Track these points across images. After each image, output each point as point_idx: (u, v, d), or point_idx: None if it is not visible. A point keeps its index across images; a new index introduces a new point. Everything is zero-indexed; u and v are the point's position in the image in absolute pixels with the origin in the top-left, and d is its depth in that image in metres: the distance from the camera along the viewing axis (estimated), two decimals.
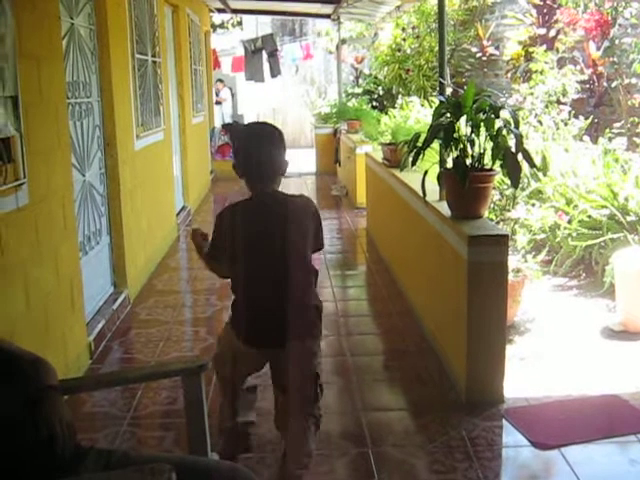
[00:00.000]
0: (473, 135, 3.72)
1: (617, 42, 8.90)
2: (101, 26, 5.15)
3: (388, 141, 6.62)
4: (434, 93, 10.55)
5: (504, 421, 3.43)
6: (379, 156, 6.70)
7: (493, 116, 3.69)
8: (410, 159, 3.98)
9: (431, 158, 4.32)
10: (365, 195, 8.27)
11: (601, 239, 5.26)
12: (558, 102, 8.39)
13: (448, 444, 3.23)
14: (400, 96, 11.65)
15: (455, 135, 3.73)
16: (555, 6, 9.77)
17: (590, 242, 5.32)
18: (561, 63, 9.24)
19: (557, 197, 5.83)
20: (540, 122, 7.50)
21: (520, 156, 3.65)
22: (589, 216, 5.43)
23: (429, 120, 4.14)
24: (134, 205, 5.80)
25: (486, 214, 4.02)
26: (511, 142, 3.68)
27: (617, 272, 4.68)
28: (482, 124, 3.68)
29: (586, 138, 6.93)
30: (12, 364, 2.01)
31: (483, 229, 3.65)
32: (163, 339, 4.67)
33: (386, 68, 12.91)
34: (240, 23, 20.02)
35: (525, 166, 3.95)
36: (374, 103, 12.64)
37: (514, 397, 3.64)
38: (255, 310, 2.75)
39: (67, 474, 1.97)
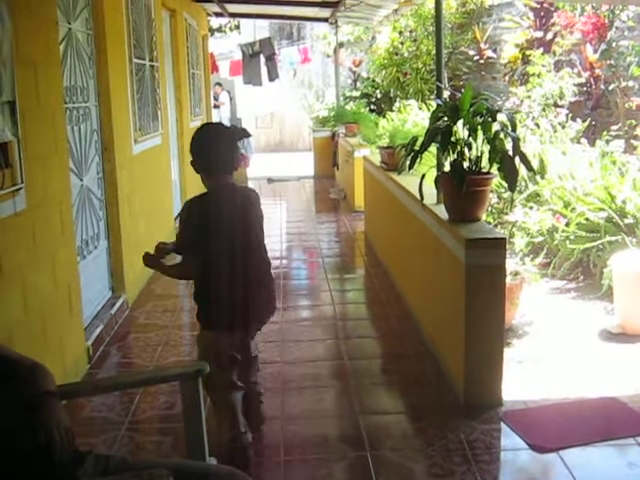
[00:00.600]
0: (470, 138, 3.73)
1: (614, 45, 8.92)
2: (99, 31, 5.16)
3: (386, 144, 6.63)
4: (432, 96, 10.56)
5: (502, 424, 3.43)
6: (377, 159, 6.71)
7: (490, 119, 3.70)
8: (407, 162, 3.98)
9: (428, 161, 4.33)
10: (363, 198, 8.27)
11: (599, 242, 5.27)
12: (555, 105, 8.41)
13: (446, 447, 3.23)
14: (398, 99, 11.67)
15: (452, 138, 3.74)
16: (552, 9, 9.79)
17: (588, 245, 5.32)
18: (558, 66, 9.26)
19: (555, 200, 5.84)
20: (537, 125, 7.52)
21: (517, 159, 3.65)
22: (587, 219, 5.43)
23: (427, 123, 4.15)
24: (132, 209, 5.79)
25: (484, 217, 4.02)
26: (508, 145, 3.69)
27: (615, 275, 4.68)
28: (479, 127, 3.69)
29: (583, 141, 6.94)
30: (10, 369, 2.01)
31: (481, 232, 3.65)
32: (161, 343, 4.67)
33: (384, 71, 12.93)
34: (238, 27, 20.02)
35: (523, 169, 3.95)
36: (372, 106, 12.66)
37: (512, 400, 3.64)
38: (225, 295, 2.99)
39: (65, 479, 1.97)
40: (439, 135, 3.76)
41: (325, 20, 12.23)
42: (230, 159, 3.07)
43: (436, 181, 4.04)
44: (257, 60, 14.05)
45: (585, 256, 5.47)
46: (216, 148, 3.04)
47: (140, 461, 2.27)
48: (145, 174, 6.44)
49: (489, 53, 11.84)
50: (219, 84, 16.42)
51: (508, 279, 4.09)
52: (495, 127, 3.70)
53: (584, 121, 7.63)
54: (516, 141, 3.63)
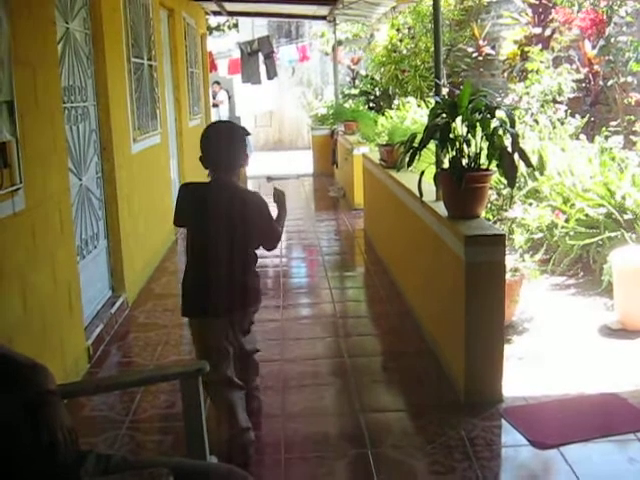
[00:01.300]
0: (469, 135, 3.73)
1: (613, 41, 8.90)
2: (96, 30, 5.15)
3: (385, 142, 6.62)
4: (430, 93, 10.55)
5: (503, 421, 3.43)
6: (376, 157, 6.71)
7: (489, 116, 3.70)
8: (406, 160, 3.98)
9: (427, 159, 4.32)
10: (362, 196, 8.27)
11: (598, 238, 5.27)
12: (554, 101, 8.39)
13: (447, 444, 3.23)
14: (397, 97, 11.66)
15: (451, 135, 3.74)
16: (550, 5, 9.77)
17: (587, 241, 5.32)
18: (557, 62, 9.24)
19: (554, 196, 5.84)
20: (536, 121, 7.51)
21: (516, 156, 3.65)
22: (586, 215, 5.43)
23: (426, 120, 4.14)
24: (131, 209, 5.79)
25: (483, 214, 4.02)
26: (507, 142, 3.69)
27: (615, 270, 4.68)
28: (478, 124, 3.69)
29: (582, 137, 6.93)
30: (11, 369, 2.01)
31: (480, 229, 3.65)
32: (161, 343, 4.67)
33: (382, 69, 12.90)
34: (236, 25, 20.00)
35: (522, 165, 3.95)
36: (371, 104, 12.63)
37: (513, 397, 3.64)
38: (199, 283, 3.16)
39: (66, 478, 1.97)
40: (438, 132, 3.76)
41: (323, 18, 12.23)
42: (229, 158, 3.16)
43: (435, 178, 4.03)
44: (256, 58, 14.04)
45: (585, 252, 5.47)
46: (216, 146, 3.16)
47: (141, 460, 2.28)
48: (144, 173, 6.44)
49: (487, 50, 11.82)
50: (218, 83, 16.41)
51: (508, 276, 4.09)
52: (494, 123, 3.70)
53: (583, 117, 7.62)
54: (515, 137, 3.63)
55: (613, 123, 8.26)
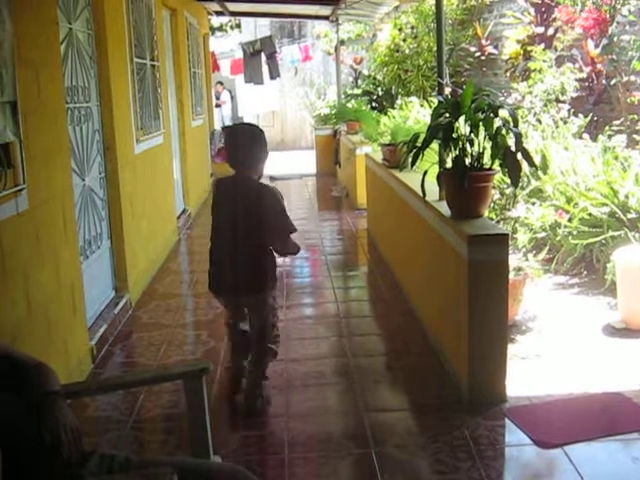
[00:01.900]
0: (472, 135, 3.72)
1: (616, 40, 8.88)
2: (99, 31, 5.16)
3: (388, 142, 6.62)
4: (433, 93, 10.54)
5: (507, 420, 3.43)
6: (379, 157, 6.70)
7: (492, 115, 3.69)
8: (409, 159, 3.99)
9: (430, 158, 4.32)
10: (365, 196, 8.27)
11: (602, 237, 5.26)
12: (557, 100, 8.37)
13: (451, 444, 3.23)
14: (399, 96, 11.65)
15: (454, 135, 3.74)
16: (553, 4, 9.75)
17: (591, 240, 5.31)
18: (560, 61, 9.22)
19: (557, 195, 5.83)
20: (539, 121, 7.49)
21: (519, 155, 3.65)
22: (589, 214, 5.43)
23: (429, 120, 4.14)
24: (134, 209, 5.80)
25: (486, 213, 4.02)
26: (510, 141, 3.68)
27: (618, 270, 4.67)
28: (481, 123, 3.68)
29: (585, 136, 6.92)
30: (15, 369, 2.01)
31: (483, 228, 3.64)
32: (165, 343, 4.67)
33: (385, 69, 12.90)
34: (239, 26, 20.02)
35: (525, 165, 3.95)
36: (373, 104, 12.61)
37: (516, 396, 3.64)
38: (219, 265, 3.65)
39: (70, 478, 1.98)
40: (441, 132, 3.76)
41: (326, 18, 12.22)
42: (248, 156, 3.61)
43: (438, 178, 4.03)
44: (258, 59, 14.04)
45: (588, 251, 5.47)
46: (234, 146, 3.68)
47: (144, 460, 2.28)
48: (147, 173, 6.45)
49: (490, 49, 11.80)
50: (220, 83, 16.43)
51: (511, 275, 4.09)
52: (497, 123, 3.69)
53: (586, 116, 7.61)
54: (518, 137, 3.63)
55: (616, 122, 8.24)
